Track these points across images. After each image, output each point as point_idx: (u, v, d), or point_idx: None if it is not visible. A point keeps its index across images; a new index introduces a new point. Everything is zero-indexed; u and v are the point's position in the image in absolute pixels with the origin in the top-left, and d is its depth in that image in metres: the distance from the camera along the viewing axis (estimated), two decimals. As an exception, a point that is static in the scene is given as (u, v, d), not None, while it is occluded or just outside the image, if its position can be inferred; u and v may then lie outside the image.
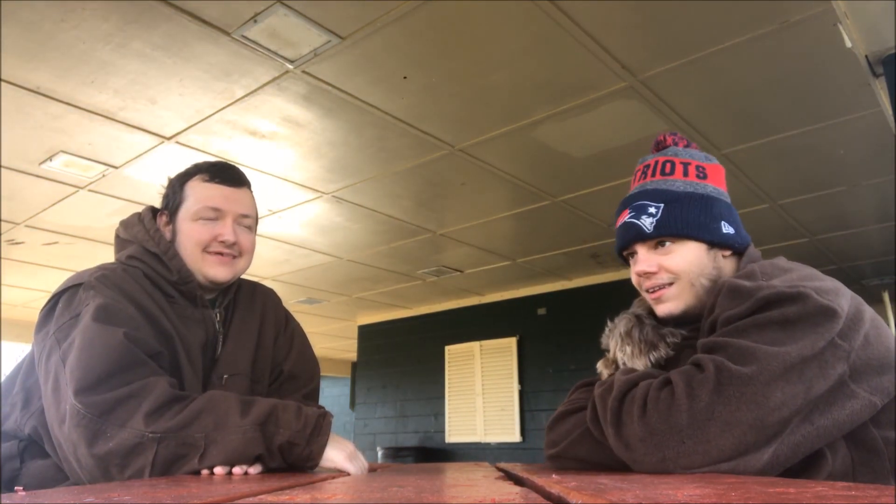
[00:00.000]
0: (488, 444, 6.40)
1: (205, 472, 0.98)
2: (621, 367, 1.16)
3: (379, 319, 7.80)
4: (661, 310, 1.16)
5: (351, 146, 3.47)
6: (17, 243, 4.91)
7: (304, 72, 2.77)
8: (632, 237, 1.16)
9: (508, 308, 6.66)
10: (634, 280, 1.20)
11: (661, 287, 1.15)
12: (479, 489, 0.72)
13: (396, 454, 6.86)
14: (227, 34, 2.50)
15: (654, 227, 1.14)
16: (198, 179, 1.29)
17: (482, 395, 6.56)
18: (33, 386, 1.16)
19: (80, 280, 1.16)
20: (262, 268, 5.72)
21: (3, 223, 4.48)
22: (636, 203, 1.18)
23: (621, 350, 1.16)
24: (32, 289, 6.21)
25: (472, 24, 2.49)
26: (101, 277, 1.15)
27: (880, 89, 2.88)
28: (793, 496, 0.52)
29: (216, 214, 1.27)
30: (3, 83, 2.79)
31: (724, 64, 2.73)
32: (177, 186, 1.30)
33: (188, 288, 1.25)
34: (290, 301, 6.88)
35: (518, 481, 0.88)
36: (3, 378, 1.27)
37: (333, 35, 2.51)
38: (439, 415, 6.92)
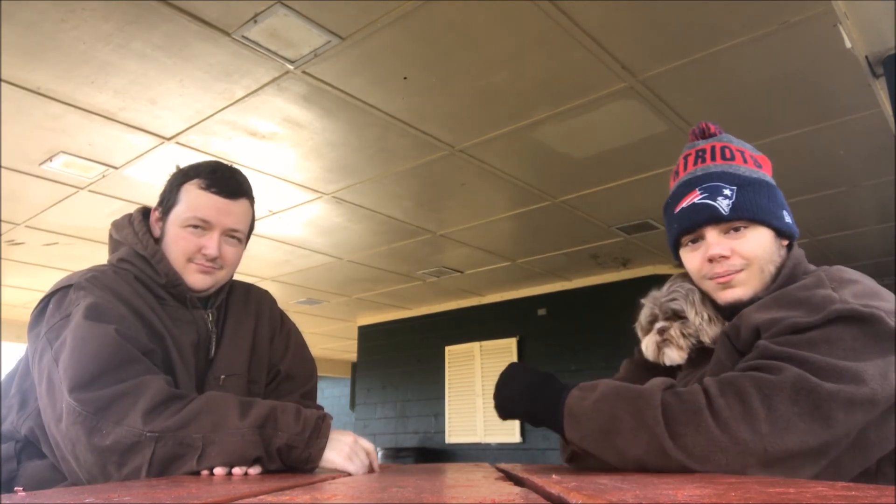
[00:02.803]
0: (488, 444, 6.40)
1: (204, 472, 0.98)
2: (700, 330, 1.15)
3: (379, 320, 7.80)
4: (729, 295, 1.11)
5: (351, 146, 3.47)
6: (17, 243, 4.91)
7: (304, 72, 2.77)
8: (705, 219, 1.11)
9: (508, 308, 6.66)
10: (697, 266, 1.15)
11: (732, 273, 1.11)
12: (479, 489, 0.71)
13: (396, 455, 6.86)
14: (228, 34, 2.50)
15: (731, 209, 1.09)
16: (194, 184, 1.27)
17: (482, 395, 6.56)
18: (30, 388, 1.16)
19: (70, 281, 1.16)
20: (263, 268, 5.72)
21: (3, 223, 4.48)
22: (708, 184, 1.12)
23: (699, 315, 1.14)
24: (32, 289, 6.22)
25: (472, 24, 2.49)
26: (92, 279, 1.15)
27: (880, 89, 2.87)
28: (793, 496, 0.52)
29: (204, 225, 1.25)
30: (3, 83, 2.79)
31: (724, 64, 2.73)
32: (174, 186, 1.29)
33: (177, 290, 1.25)
34: (290, 301, 6.88)
35: (518, 482, 0.88)
36: (1, 379, 1.27)
37: (333, 35, 2.51)
38: (439, 415, 6.91)
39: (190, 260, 1.25)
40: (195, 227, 1.25)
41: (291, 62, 2.69)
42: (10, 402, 1.19)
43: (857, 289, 0.99)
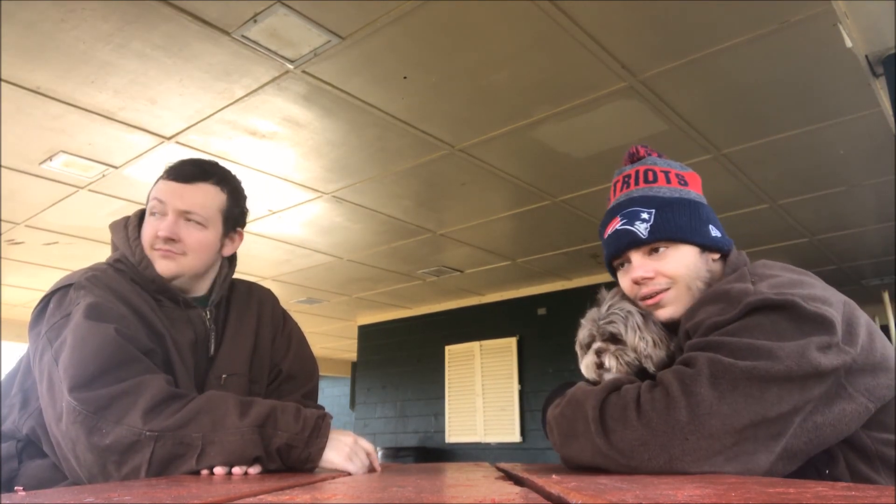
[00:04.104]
0: (488, 444, 6.40)
1: (204, 471, 0.98)
2: (642, 356, 1.14)
3: (379, 319, 7.80)
4: (661, 315, 1.15)
5: (351, 146, 3.47)
6: (17, 243, 4.91)
7: (304, 72, 2.76)
8: (626, 244, 1.16)
9: (508, 308, 6.66)
10: (628, 288, 1.18)
11: (659, 293, 1.14)
12: (479, 489, 0.72)
13: (396, 454, 6.86)
14: (227, 34, 2.50)
15: (649, 231, 1.14)
16: (160, 178, 1.30)
17: (482, 395, 6.56)
18: (31, 387, 1.17)
19: (70, 281, 1.16)
20: (263, 268, 5.72)
21: (3, 223, 4.48)
22: (627, 210, 1.19)
23: (643, 340, 1.14)
24: (32, 289, 6.22)
25: (472, 24, 2.49)
26: (92, 278, 1.16)
27: (880, 89, 2.88)
28: (793, 496, 0.52)
29: (161, 208, 1.26)
30: (3, 83, 2.78)
31: (724, 64, 2.73)
32: (151, 187, 1.32)
33: (169, 294, 1.26)
34: (290, 301, 6.88)
35: (518, 481, 0.88)
36: (1, 379, 1.28)
37: (333, 35, 2.51)
38: (439, 415, 6.91)
39: (152, 246, 1.26)
40: (153, 213, 1.27)
41: (291, 62, 2.69)
42: (11, 402, 1.20)
43: (775, 281, 1.02)
